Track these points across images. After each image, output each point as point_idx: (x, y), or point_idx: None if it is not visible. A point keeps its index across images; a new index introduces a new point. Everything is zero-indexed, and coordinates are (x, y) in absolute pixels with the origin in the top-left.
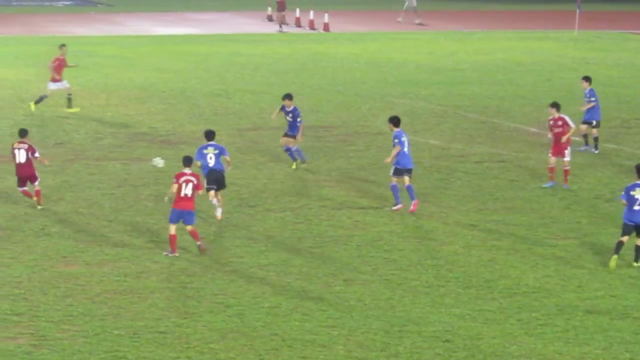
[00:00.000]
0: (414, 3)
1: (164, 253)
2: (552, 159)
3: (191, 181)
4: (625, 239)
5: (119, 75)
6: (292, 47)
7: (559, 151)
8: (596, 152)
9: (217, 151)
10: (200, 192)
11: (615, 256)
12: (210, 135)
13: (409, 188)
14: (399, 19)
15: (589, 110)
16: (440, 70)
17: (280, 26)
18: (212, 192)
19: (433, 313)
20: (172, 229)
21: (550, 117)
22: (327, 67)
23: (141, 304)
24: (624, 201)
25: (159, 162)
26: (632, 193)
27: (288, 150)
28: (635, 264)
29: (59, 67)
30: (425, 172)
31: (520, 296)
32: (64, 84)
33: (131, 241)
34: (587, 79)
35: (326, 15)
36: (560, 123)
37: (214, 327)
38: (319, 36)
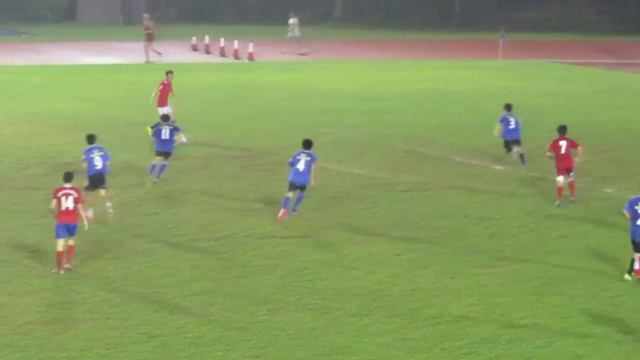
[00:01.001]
0: (297, 33)
1: (52, 270)
2: (559, 179)
3: (71, 194)
4: (637, 255)
5: (44, 104)
6: (217, 76)
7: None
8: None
9: (308, 158)
10: (80, 205)
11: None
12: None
13: (299, 198)
14: (283, 50)
15: (510, 132)
16: (366, 99)
17: (147, 56)
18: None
19: (357, 342)
20: (60, 244)
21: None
22: (252, 97)
23: (64, 334)
24: (627, 212)
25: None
26: (636, 207)
27: (154, 166)
28: (626, 277)
29: (164, 92)
30: (351, 201)
31: (444, 325)
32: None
33: (55, 272)
34: (507, 106)
35: (251, 44)
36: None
37: (138, 357)
38: (244, 65)
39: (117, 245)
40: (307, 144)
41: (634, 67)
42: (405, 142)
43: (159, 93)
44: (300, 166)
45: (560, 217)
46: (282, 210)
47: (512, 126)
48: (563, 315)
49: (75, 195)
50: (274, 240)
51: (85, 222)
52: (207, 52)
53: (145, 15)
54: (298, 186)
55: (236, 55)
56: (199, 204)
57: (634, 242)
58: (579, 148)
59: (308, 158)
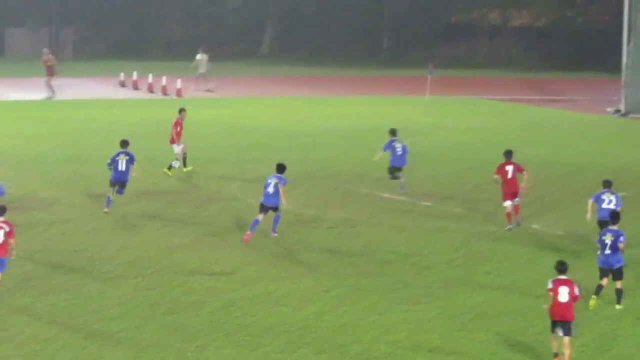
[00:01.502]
0: (203, 69)
1: None
2: (506, 204)
3: (2, 228)
4: (604, 281)
5: None
6: (145, 112)
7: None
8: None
9: (277, 181)
10: (12, 240)
11: (594, 297)
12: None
13: (275, 219)
14: (193, 87)
15: (397, 158)
16: (294, 135)
17: (52, 91)
18: None
19: None
20: None
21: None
22: None
23: None
24: (599, 245)
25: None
26: (603, 238)
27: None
28: (617, 306)
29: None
30: (279, 237)
31: None
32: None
33: None
34: (392, 131)
35: (179, 80)
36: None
37: None
38: (172, 101)
39: (45, 281)
40: (280, 168)
41: (560, 103)
42: (333, 178)
43: (175, 130)
44: (271, 189)
45: (488, 252)
46: (247, 232)
47: (399, 152)
48: (490, 351)
49: (7, 229)
50: (202, 277)
51: (14, 254)
52: (135, 88)
53: (45, 50)
54: (269, 207)
55: (164, 92)
56: (127, 240)
57: (600, 269)
58: (525, 173)
59: (277, 181)
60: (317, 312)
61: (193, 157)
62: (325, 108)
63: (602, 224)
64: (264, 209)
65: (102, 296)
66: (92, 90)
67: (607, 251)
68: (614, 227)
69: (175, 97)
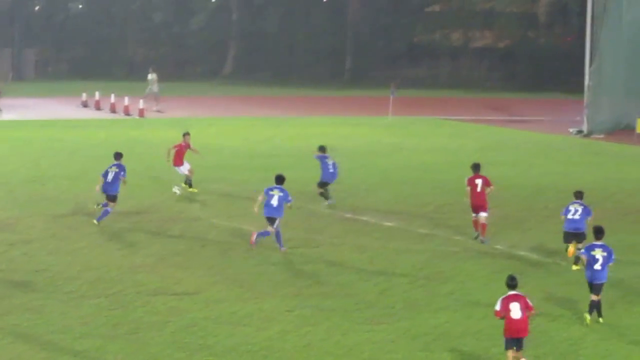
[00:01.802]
0: (156, 89)
1: None
2: (474, 215)
3: None
4: (595, 298)
5: None
6: (108, 132)
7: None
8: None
9: (281, 193)
10: None
11: (587, 315)
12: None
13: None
14: (140, 106)
15: (329, 175)
16: (256, 156)
17: None
18: None
19: None
20: None
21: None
22: (142, 153)
23: None
24: (584, 257)
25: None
26: (592, 253)
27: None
28: (600, 320)
29: (180, 152)
30: (241, 257)
31: None
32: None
33: None
34: (321, 148)
35: (141, 101)
36: (478, 181)
37: None
38: (134, 122)
39: (7, 301)
40: (279, 180)
41: (523, 123)
42: (296, 198)
43: (174, 153)
44: (274, 201)
45: (451, 273)
46: (254, 237)
47: (331, 170)
48: None
49: None
50: (165, 297)
51: None
52: (98, 108)
53: None
54: (275, 218)
55: (127, 112)
56: (89, 260)
57: (591, 285)
58: (492, 187)
59: (281, 193)
60: (280, 332)
61: (155, 177)
62: (288, 129)
63: (567, 236)
64: (271, 221)
65: (65, 316)
66: (54, 111)
67: (597, 267)
68: (601, 243)
69: (137, 117)
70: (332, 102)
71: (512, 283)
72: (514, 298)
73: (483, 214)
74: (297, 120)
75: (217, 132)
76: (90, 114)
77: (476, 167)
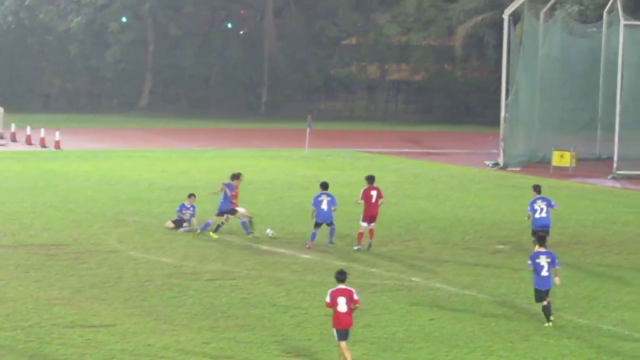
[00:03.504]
0: None
1: None
2: (364, 225)
3: None
4: (544, 303)
5: None
6: (23, 165)
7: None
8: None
9: (329, 198)
10: None
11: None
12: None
13: (331, 231)
14: (56, 138)
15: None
16: (173, 189)
17: None
18: None
19: None
20: None
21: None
22: (58, 185)
23: None
24: (531, 268)
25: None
26: (537, 260)
27: None
28: (548, 324)
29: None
30: (157, 290)
31: None
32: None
33: None
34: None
35: (57, 133)
36: (373, 193)
37: None
38: (50, 154)
39: None
40: (325, 186)
41: (439, 156)
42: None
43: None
44: (324, 206)
45: (367, 305)
46: (309, 243)
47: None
48: None
49: None
50: (81, 329)
51: None
52: (13, 140)
53: None
54: (325, 224)
55: (43, 144)
56: (5, 292)
57: (539, 292)
58: (383, 199)
59: (329, 198)
60: None
61: (71, 209)
62: (205, 161)
63: (536, 234)
64: (319, 225)
65: None
66: None
67: (544, 273)
68: (545, 249)
69: (53, 149)
70: (249, 134)
71: (340, 277)
72: (342, 292)
73: (373, 224)
74: (213, 152)
75: (133, 165)
76: (6, 146)
77: (371, 179)
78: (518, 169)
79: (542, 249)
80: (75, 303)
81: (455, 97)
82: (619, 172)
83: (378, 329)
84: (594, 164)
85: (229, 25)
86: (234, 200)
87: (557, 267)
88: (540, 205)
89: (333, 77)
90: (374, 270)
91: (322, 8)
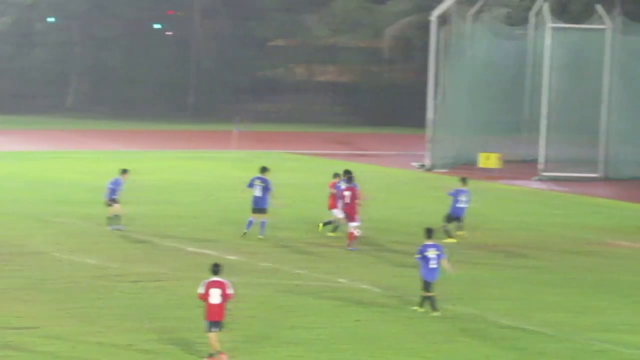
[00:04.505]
0: None
1: None
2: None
3: None
4: (430, 294)
5: None
6: None
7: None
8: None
9: (263, 184)
10: None
11: (420, 308)
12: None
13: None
14: None
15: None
16: (100, 189)
17: None
18: None
19: None
20: None
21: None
22: None
23: None
24: (419, 261)
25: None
26: (426, 254)
27: None
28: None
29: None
30: (82, 291)
31: None
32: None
33: None
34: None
35: None
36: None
37: None
38: None
39: None
40: (262, 170)
41: (367, 157)
42: (138, 232)
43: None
44: (258, 192)
45: (293, 307)
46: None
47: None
48: None
49: None
50: (4, 331)
51: None
52: None
53: None
54: (258, 212)
55: None
56: None
57: (425, 282)
58: (359, 199)
59: (263, 184)
60: None
61: None
62: (132, 163)
63: (450, 218)
64: (254, 212)
65: None
66: None
67: (433, 265)
68: (433, 242)
69: None
70: (176, 135)
71: (215, 269)
72: (215, 284)
73: (355, 224)
74: (140, 154)
75: (60, 166)
76: None
77: (349, 179)
78: (445, 170)
79: (430, 242)
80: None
81: (383, 98)
82: (544, 173)
83: (303, 330)
84: (519, 166)
85: (157, 26)
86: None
87: (444, 258)
88: (462, 197)
89: (261, 79)
90: (299, 271)
91: (250, 9)
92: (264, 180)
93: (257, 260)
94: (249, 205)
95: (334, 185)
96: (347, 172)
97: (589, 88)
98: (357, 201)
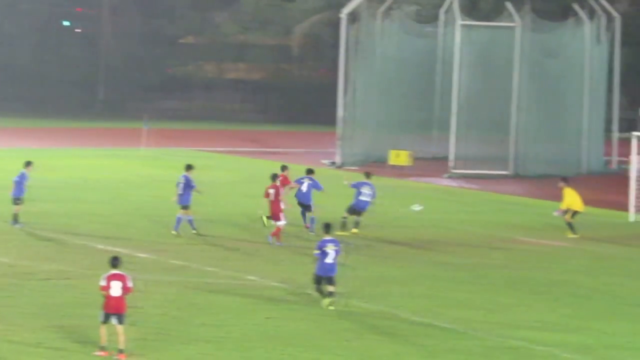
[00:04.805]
0: None
1: None
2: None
3: None
4: (320, 288)
5: None
6: None
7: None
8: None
9: (184, 181)
10: None
11: (325, 300)
12: None
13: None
14: None
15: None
16: (4, 188)
17: None
18: None
19: None
20: None
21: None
22: None
23: None
24: (317, 256)
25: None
26: (325, 249)
27: None
28: (330, 307)
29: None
30: None
31: None
32: None
33: None
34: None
35: None
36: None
37: None
38: None
39: None
40: (187, 167)
41: (277, 155)
42: (48, 230)
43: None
44: (181, 190)
45: (203, 304)
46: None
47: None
48: None
49: None
50: None
51: None
52: None
53: None
54: (182, 208)
55: None
56: None
57: (319, 277)
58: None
59: (184, 181)
60: None
61: None
62: (40, 161)
63: (353, 211)
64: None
65: None
66: None
67: (330, 260)
68: (331, 237)
69: None
70: (85, 133)
71: (114, 263)
72: (116, 277)
73: (281, 223)
74: (48, 151)
75: None
76: None
77: (275, 177)
78: (355, 168)
79: (329, 237)
80: None
81: (293, 96)
82: (454, 171)
83: (213, 328)
84: (430, 163)
85: (66, 23)
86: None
87: (341, 254)
88: (366, 190)
89: (171, 76)
90: (210, 269)
91: (159, 6)
92: (186, 178)
93: (167, 258)
94: (159, 203)
95: (298, 181)
96: (310, 171)
97: (499, 86)
98: (280, 198)
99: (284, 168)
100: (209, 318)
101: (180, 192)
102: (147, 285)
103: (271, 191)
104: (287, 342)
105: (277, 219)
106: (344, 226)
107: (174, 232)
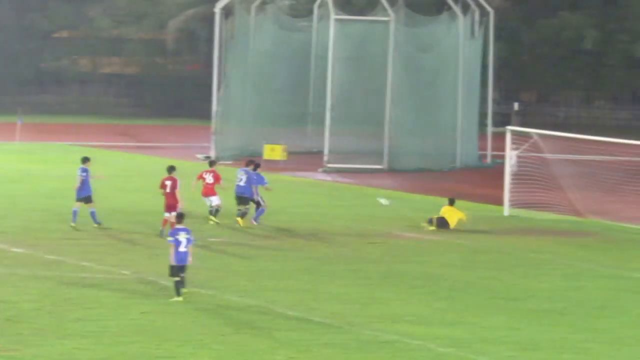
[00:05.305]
0: None
1: None
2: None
3: None
4: (177, 279)
5: None
6: None
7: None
8: None
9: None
10: None
11: (179, 297)
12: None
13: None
14: None
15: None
16: None
17: None
18: None
19: None
20: None
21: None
22: None
23: None
24: (171, 243)
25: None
26: (177, 237)
27: None
28: (178, 298)
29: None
30: None
31: None
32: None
33: None
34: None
35: None
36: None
37: None
38: None
39: None
40: (83, 160)
41: (152, 149)
42: None
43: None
44: (168, 189)
45: (78, 299)
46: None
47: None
48: None
49: None
50: None
51: None
52: None
53: None
54: (83, 201)
55: None
56: None
57: (174, 267)
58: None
59: (84, 173)
60: None
61: None
62: None
63: (237, 199)
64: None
65: None
66: None
67: (182, 249)
68: (183, 226)
69: None
70: None
71: None
72: None
73: (173, 213)
74: None
75: None
76: None
77: (171, 169)
78: (229, 162)
79: (181, 226)
80: None
81: (168, 90)
82: (329, 165)
83: (89, 323)
84: (305, 158)
85: None
86: None
87: (192, 243)
88: (241, 175)
89: (44, 71)
90: (85, 263)
91: (33, 0)
92: (84, 170)
93: (42, 253)
94: (34, 198)
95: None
96: (252, 162)
97: (374, 80)
98: (176, 190)
99: (212, 163)
100: (84, 313)
101: (79, 184)
102: (22, 280)
103: (168, 183)
104: (164, 337)
105: (173, 210)
106: (241, 214)
107: (72, 224)
